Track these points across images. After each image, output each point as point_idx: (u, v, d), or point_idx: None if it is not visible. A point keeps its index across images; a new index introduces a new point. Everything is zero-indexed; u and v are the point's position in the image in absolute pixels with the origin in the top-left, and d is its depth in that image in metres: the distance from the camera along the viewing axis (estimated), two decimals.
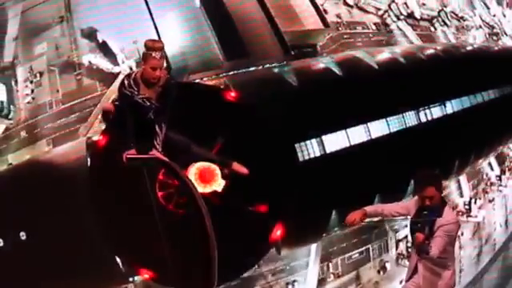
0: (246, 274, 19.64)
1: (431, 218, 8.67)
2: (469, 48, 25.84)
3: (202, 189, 16.93)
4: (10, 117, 21.39)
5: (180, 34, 20.84)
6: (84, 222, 18.51)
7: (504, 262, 28.00)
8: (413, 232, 8.72)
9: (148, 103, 8.63)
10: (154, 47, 8.30)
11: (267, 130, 19.21)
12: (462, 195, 25.32)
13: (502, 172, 28.19)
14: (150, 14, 21.07)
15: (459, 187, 25.13)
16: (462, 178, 25.21)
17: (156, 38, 21.07)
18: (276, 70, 20.45)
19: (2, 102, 21.23)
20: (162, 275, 18.17)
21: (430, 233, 8.59)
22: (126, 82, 8.44)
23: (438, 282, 8.92)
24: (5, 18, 23.09)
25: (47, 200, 19.16)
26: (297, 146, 19.73)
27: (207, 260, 8.71)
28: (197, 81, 19.68)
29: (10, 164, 20.79)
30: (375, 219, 9.71)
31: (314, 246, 21.56)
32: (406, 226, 22.13)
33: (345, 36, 23.18)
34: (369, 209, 9.33)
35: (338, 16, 23.36)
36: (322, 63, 20.93)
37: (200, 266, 8.96)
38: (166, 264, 11.18)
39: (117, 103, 8.62)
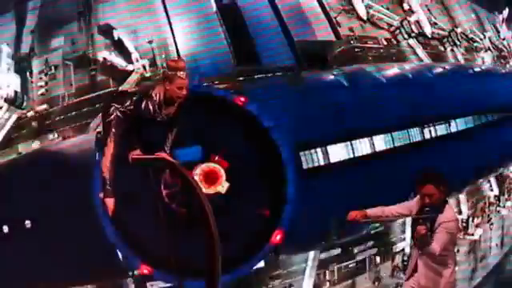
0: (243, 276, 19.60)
1: (432, 215, 8.75)
2: (476, 69, 25.93)
3: (205, 190, 17.07)
4: (22, 107, 21.51)
5: (194, 37, 20.91)
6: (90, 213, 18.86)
7: (497, 282, 28.04)
8: (414, 229, 8.79)
9: (166, 118, 8.67)
10: (178, 67, 8.23)
11: (273, 137, 19.60)
12: (460, 212, 25.32)
13: (501, 193, 28.22)
14: (167, 16, 21.20)
15: (458, 204, 25.14)
16: (462, 196, 25.23)
17: (171, 39, 21.29)
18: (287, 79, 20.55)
19: (16, 93, 21.32)
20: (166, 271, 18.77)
21: (431, 229, 8.65)
22: (150, 107, 8.34)
23: (439, 280, 8.95)
24: (24, 10, 23.23)
25: (55, 189, 19.54)
26: (301, 154, 20.03)
27: (211, 259, 8.77)
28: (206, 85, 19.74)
29: (20, 153, 20.95)
30: (377, 222, 9.74)
31: (311, 253, 21.58)
32: (404, 239, 22.26)
33: (356, 49, 23.29)
34: (370, 211, 9.38)
35: (351, 29, 23.50)
36: (331, 75, 21.03)
37: (205, 264, 9.01)
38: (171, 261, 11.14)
39: (130, 108, 8.54)
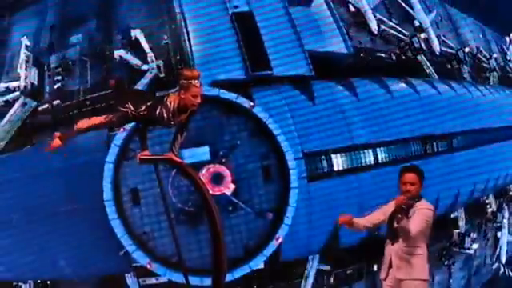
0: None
1: (410, 202, 8.97)
2: (481, 90, 26.04)
3: (211, 190, 17.24)
4: (38, 99, 21.69)
5: (209, 41, 20.97)
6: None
7: None
8: (390, 225, 8.93)
9: (177, 124, 8.77)
10: (192, 76, 8.30)
11: (279, 142, 19.85)
12: (457, 227, 25.39)
13: (498, 210, 28.29)
14: (184, 19, 21.29)
15: (456, 219, 25.22)
16: (460, 211, 25.28)
17: (186, 42, 21.38)
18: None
19: (33, 85, 21.51)
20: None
21: (407, 217, 8.81)
22: (164, 114, 8.38)
23: (411, 271, 9.06)
24: (45, 6, 23.45)
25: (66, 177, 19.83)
26: (306, 160, 20.25)
27: (217, 255, 8.91)
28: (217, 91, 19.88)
29: (34, 144, 21.16)
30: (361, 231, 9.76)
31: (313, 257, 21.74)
32: None
33: (365, 62, 23.37)
34: (356, 219, 9.47)
35: (361, 42, 23.56)
36: (340, 86, 21.21)
37: (211, 260, 9.14)
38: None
39: (143, 113, 8.61)
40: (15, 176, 20.05)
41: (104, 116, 8.05)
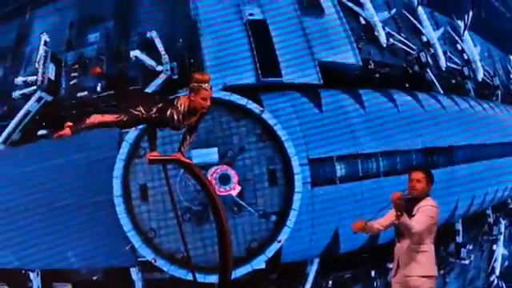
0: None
1: (409, 196, 9.11)
2: (484, 106, 26.19)
3: (218, 191, 17.40)
4: (54, 94, 21.83)
5: (222, 46, 21.07)
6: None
7: None
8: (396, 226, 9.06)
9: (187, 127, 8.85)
10: (203, 79, 8.37)
11: (286, 148, 20.05)
12: (454, 238, 25.46)
13: (494, 223, 28.37)
14: (199, 23, 21.41)
15: (453, 230, 25.30)
16: (458, 223, 25.36)
17: (199, 45, 21.47)
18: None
19: (50, 80, 21.64)
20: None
21: (411, 215, 8.93)
22: (175, 116, 8.45)
23: (418, 267, 9.16)
24: (66, 4, 23.59)
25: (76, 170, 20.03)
26: (311, 167, 20.47)
27: (224, 252, 9.09)
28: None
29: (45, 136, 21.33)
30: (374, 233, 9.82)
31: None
32: None
33: (373, 74, 23.47)
34: (369, 223, 9.52)
35: (370, 54, 23.66)
36: (348, 95, 21.38)
37: (219, 257, 9.32)
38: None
39: (154, 115, 8.70)
40: (30, 167, 20.32)
41: (116, 115, 8.10)
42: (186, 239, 10.88)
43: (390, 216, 9.17)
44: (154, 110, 8.20)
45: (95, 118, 8.07)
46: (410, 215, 8.66)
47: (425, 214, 8.80)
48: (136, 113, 8.16)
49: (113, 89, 9.18)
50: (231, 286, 9.50)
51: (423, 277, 8.98)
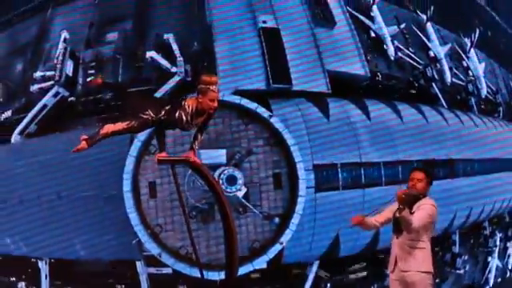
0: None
1: (412, 193, 9.22)
2: (486, 122, 26.31)
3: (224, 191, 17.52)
4: (70, 90, 22.00)
5: (235, 52, 21.16)
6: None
7: None
8: (395, 218, 9.14)
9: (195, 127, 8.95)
10: (211, 81, 8.45)
11: (293, 153, 20.21)
12: (450, 249, 25.53)
13: (490, 235, 28.45)
14: (213, 28, 21.52)
15: (450, 240, 25.37)
16: (455, 234, 25.44)
17: (214, 50, 21.56)
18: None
19: (67, 76, 21.79)
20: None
21: (410, 212, 9.04)
22: (183, 117, 8.51)
23: (415, 263, 9.24)
24: (87, 2, 23.75)
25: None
26: (316, 172, 20.61)
27: (231, 250, 9.24)
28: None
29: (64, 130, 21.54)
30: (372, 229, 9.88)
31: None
32: None
33: (380, 85, 23.60)
34: (366, 219, 9.56)
35: (377, 66, 23.76)
36: (354, 105, 21.55)
37: (225, 254, 9.47)
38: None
39: (163, 118, 8.79)
40: (45, 158, 20.55)
41: (126, 122, 8.19)
42: (194, 239, 10.92)
43: (386, 213, 9.30)
44: (163, 112, 8.30)
45: (108, 128, 8.22)
46: (410, 213, 8.80)
47: (425, 212, 8.89)
48: (145, 117, 8.26)
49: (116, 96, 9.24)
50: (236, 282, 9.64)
51: (421, 272, 9.07)
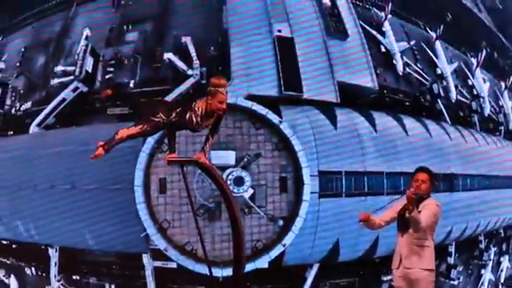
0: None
1: (419, 194, 9.31)
2: (487, 139, 26.40)
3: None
4: (89, 86, 22.17)
5: (249, 58, 21.24)
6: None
7: None
8: (402, 216, 9.22)
9: (208, 126, 9.02)
10: (220, 84, 8.52)
11: (300, 159, 20.34)
12: (446, 259, 25.53)
13: (485, 249, 28.46)
14: (230, 34, 21.62)
15: (446, 252, 25.40)
16: (451, 245, 25.47)
17: (228, 54, 21.65)
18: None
19: (87, 72, 21.94)
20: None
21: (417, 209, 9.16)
22: (194, 118, 8.58)
23: (420, 260, 9.30)
24: (109, 2, 23.92)
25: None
26: (321, 179, 20.74)
27: (238, 248, 9.34)
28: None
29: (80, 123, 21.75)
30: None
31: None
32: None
33: (387, 99, 23.69)
34: (372, 217, 9.63)
35: (386, 80, 23.82)
36: (362, 116, 21.67)
37: (233, 252, 9.57)
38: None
39: (174, 120, 8.85)
40: (61, 150, 20.71)
41: (139, 126, 8.29)
42: (203, 237, 11.02)
43: (390, 213, 9.41)
44: (174, 114, 8.39)
45: (122, 133, 8.33)
46: (417, 208, 8.93)
47: (430, 212, 9.02)
48: (157, 120, 8.36)
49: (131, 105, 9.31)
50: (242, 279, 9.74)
51: (424, 270, 9.16)
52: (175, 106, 8.66)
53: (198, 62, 21.60)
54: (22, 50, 24.66)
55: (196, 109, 8.42)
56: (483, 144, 25.56)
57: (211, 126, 8.77)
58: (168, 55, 21.93)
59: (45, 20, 25.06)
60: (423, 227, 8.87)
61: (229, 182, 19.39)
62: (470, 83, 28.61)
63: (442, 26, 27.52)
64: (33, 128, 21.78)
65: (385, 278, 23.35)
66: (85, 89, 22.08)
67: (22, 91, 23.75)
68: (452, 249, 25.67)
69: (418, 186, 9.20)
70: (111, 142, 8.22)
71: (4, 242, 22.52)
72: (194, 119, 8.42)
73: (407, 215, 8.75)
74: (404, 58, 24.73)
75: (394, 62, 24.43)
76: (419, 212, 8.86)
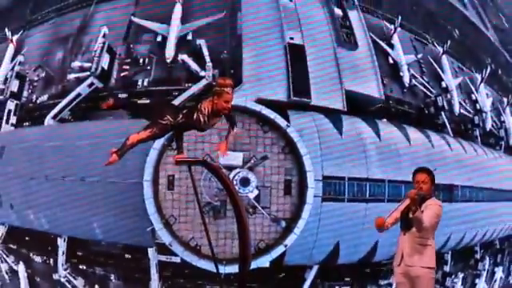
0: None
1: (421, 194, 9.41)
2: (487, 153, 26.49)
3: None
4: (104, 82, 22.37)
5: (261, 63, 21.36)
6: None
7: None
8: (405, 215, 9.34)
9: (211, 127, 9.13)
10: (226, 84, 8.62)
11: (305, 163, 20.47)
12: (442, 268, 25.57)
13: (480, 259, 28.46)
14: (243, 39, 21.73)
15: (442, 260, 25.43)
16: (447, 254, 25.52)
17: (240, 58, 21.73)
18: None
19: (103, 69, 22.12)
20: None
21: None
22: (201, 118, 8.69)
23: (422, 258, 9.41)
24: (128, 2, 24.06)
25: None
26: (324, 183, 20.91)
27: (244, 246, 9.44)
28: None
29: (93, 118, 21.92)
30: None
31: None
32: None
33: (392, 109, 23.81)
34: (386, 218, 9.74)
35: (392, 91, 23.93)
36: (367, 125, 21.88)
37: (239, 249, 9.67)
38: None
39: (181, 121, 8.94)
40: (74, 143, 20.83)
41: (149, 130, 8.38)
42: (209, 235, 11.08)
43: (395, 214, 9.55)
44: (181, 115, 8.52)
45: (133, 138, 8.42)
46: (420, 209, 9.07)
47: (433, 212, 9.13)
48: (165, 122, 8.46)
49: (133, 111, 9.33)
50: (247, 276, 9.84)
51: (425, 267, 9.28)
52: (180, 108, 8.84)
53: (210, 64, 21.82)
54: (42, 44, 24.87)
55: (202, 109, 8.56)
56: (483, 157, 25.65)
57: (228, 123, 8.91)
58: (182, 56, 22.15)
59: (65, 16, 25.21)
60: (426, 227, 9.01)
61: (235, 182, 19.50)
62: (474, 98, 28.71)
63: (449, 42, 27.69)
64: (48, 120, 21.98)
65: (383, 282, 23.45)
66: (100, 85, 22.34)
67: (39, 84, 23.96)
68: (448, 257, 25.74)
69: (421, 188, 9.31)
70: (123, 147, 8.33)
71: (15, 230, 22.65)
72: (202, 119, 8.53)
73: (410, 215, 8.88)
74: (411, 70, 24.87)
75: (401, 73, 24.57)
76: (422, 212, 8.99)
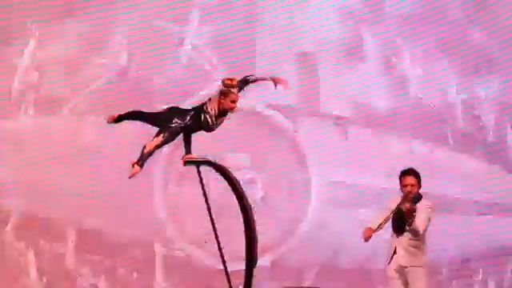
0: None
1: (415, 195, 9.50)
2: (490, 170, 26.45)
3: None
4: (121, 79, 22.24)
5: (271, 68, 21.19)
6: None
7: None
8: (397, 218, 9.41)
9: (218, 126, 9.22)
10: (232, 85, 8.67)
11: (309, 167, 20.63)
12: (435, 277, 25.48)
13: (473, 270, 28.25)
14: (252, 44, 21.81)
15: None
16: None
17: (252, 62, 21.78)
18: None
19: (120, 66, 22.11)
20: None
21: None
22: (208, 119, 8.74)
23: (416, 259, 9.54)
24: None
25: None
26: (327, 187, 20.97)
27: (250, 246, 9.59)
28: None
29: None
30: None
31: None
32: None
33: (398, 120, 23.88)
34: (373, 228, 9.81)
35: (398, 102, 23.93)
36: (372, 133, 21.81)
37: (245, 249, 9.81)
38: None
39: (189, 123, 9.02)
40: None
41: (161, 135, 8.36)
42: (216, 230, 11.23)
43: (382, 215, 9.68)
44: (188, 117, 8.68)
45: (150, 146, 8.40)
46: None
47: (426, 216, 9.32)
48: (174, 125, 8.57)
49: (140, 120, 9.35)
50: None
51: (418, 267, 9.43)
52: (186, 110, 8.97)
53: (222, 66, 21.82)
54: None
55: (209, 110, 8.71)
56: (484, 171, 25.64)
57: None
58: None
59: (84, 11, 25.12)
60: (420, 233, 9.18)
61: (241, 183, 19.57)
62: (477, 113, 28.61)
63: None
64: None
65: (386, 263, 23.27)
66: (116, 82, 22.23)
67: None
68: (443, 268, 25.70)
69: (410, 192, 9.45)
70: (142, 157, 8.41)
71: (26, 216, 22.62)
72: (209, 120, 8.65)
73: (410, 224, 9.02)
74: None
75: (407, 85, 24.61)
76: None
